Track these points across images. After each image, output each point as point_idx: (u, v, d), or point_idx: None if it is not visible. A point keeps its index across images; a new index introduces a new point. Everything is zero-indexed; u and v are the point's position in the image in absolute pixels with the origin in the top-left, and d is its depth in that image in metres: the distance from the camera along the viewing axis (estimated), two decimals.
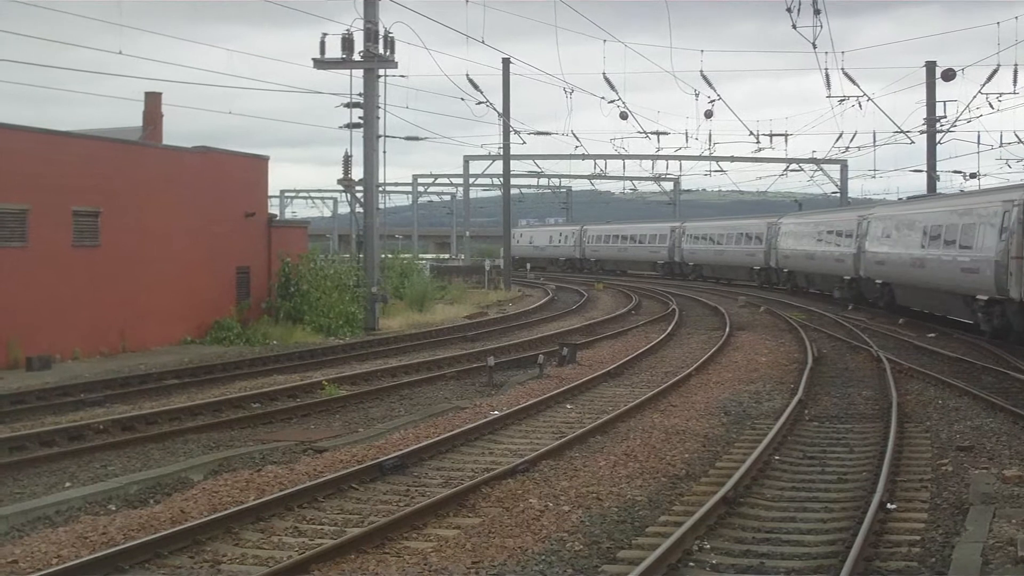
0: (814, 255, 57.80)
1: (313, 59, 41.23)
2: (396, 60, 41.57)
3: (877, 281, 46.54)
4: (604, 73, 55.88)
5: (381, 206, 48.58)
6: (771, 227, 67.52)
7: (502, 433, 20.04)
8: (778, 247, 65.67)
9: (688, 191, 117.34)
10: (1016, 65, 49.88)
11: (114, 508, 14.73)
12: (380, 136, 42.49)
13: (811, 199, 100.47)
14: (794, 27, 38.43)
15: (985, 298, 33.18)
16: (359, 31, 40.66)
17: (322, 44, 40.99)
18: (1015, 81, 50.00)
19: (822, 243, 56.20)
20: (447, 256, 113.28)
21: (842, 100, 57.52)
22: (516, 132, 69.83)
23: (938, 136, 59.88)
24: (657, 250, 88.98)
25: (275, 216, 49.74)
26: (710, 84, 57.13)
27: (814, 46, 40.42)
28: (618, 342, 36.54)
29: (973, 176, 65.54)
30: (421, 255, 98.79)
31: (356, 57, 41.07)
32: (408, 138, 58.18)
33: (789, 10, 37.29)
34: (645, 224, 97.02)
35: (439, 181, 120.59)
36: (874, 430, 19.93)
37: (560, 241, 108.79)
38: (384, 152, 42.78)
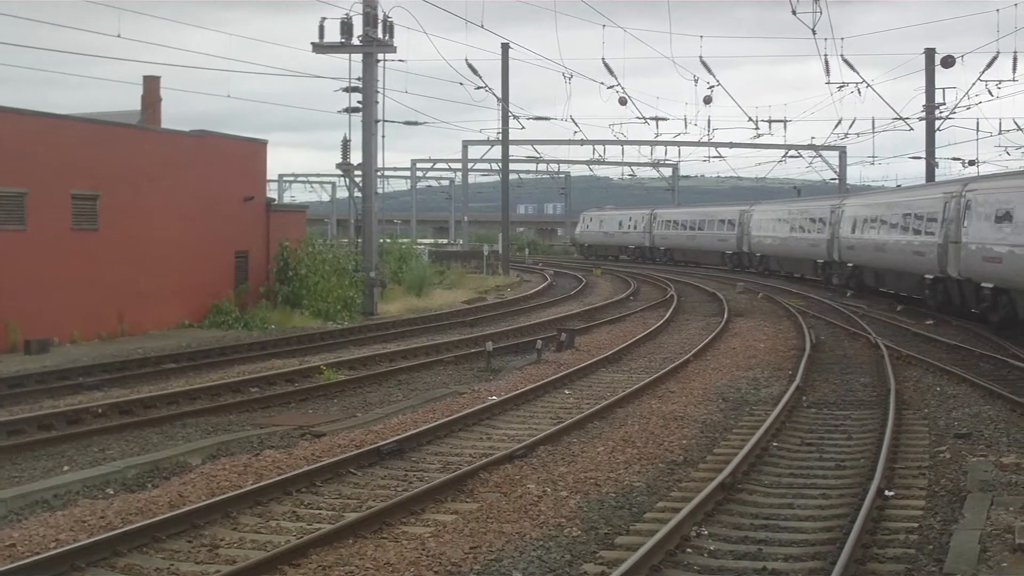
0: (885, 246, 44.64)
1: (312, 43, 41.19)
2: (395, 44, 41.55)
3: (985, 285, 33.02)
4: (603, 58, 55.95)
5: (379, 191, 48.58)
6: (835, 210, 53.97)
7: (500, 418, 20.05)
8: (839, 236, 52.49)
9: (686, 177, 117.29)
10: (1015, 52, 49.96)
11: (112, 492, 14.74)
12: (379, 120, 42.44)
13: (810, 186, 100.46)
14: (794, 13, 38.59)
15: None
16: (358, 15, 40.67)
17: (321, 28, 40.96)
18: (1014, 68, 50.05)
19: (896, 230, 43.17)
20: (445, 241, 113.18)
21: (841, 86, 57.64)
22: (515, 117, 69.86)
23: (937, 123, 59.89)
24: (725, 238, 75.31)
25: (273, 200, 49.70)
26: (709, 70, 57.20)
27: (813, 32, 40.60)
28: (616, 328, 36.54)
29: (972, 163, 65.67)
30: (419, 240, 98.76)
31: (355, 41, 41.01)
32: (407, 123, 58.07)
33: None
34: (712, 208, 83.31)
35: (438, 166, 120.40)
36: (872, 417, 19.94)
37: (630, 227, 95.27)
38: (383, 137, 42.79)
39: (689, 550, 12.05)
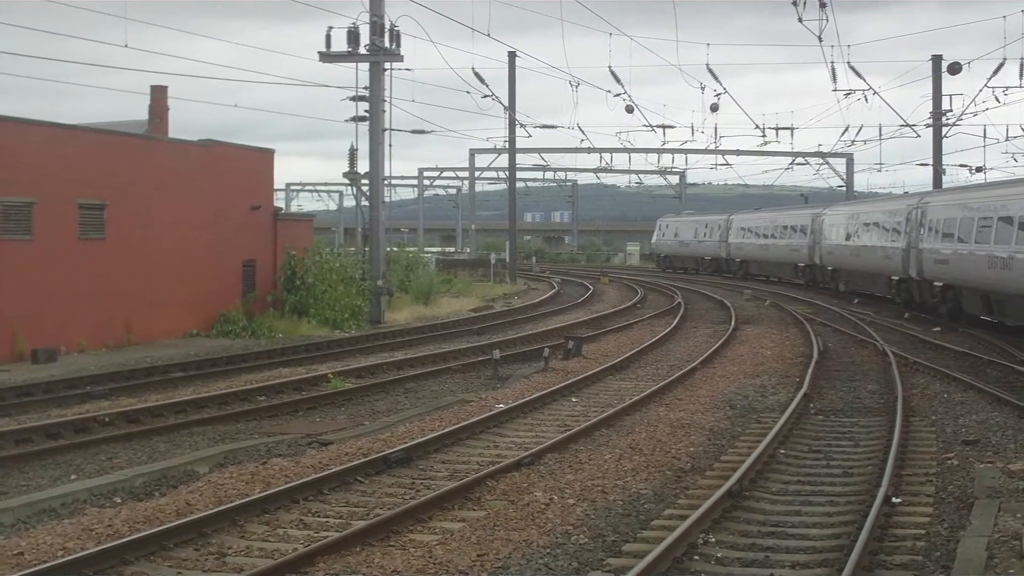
0: (1011, 262, 31.24)
1: (319, 52, 41.26)
2: (402, 53, 41.66)
3: None
4: (610, 66, 56.09)
5: (387, 199, 48.65)
6: (912, 212, 42.02)
7: (507, 426, 20.05)
8: (921, 246, 40.23)
9: (694, 185, 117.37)
10: (1022, 59, 49.83)
11: (120, 501, 14.75)
12: (386, 129, 42.52)
13: (817, 193, 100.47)
14: (800, 21, 38.52)
15: None
16: (365, 24, 40.71)
17: (328, 37, 41.04)
18: (1021, 75, 49.96)
19: None
20: (452, 249, 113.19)
21: (848, 94, 57.51)
22: (522, 125, 69.96)
23: (944, 130, 59.86)
24: (797, 248, 63.69)
25: (281, 209, 49.73)
26: (716, 78, 57.44)
27: (820, 39, 40.62)
28: (623, 335, 36.53)
29: (979, 170, 65.63)
30: (426, 248, 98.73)
31: (362, 50, 41.09)
32: (414, 131, 58.20)
33: (795, 3, 37.38)
34: (787, 212, 71.33)
35: (445, 174, 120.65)
36: (879, 424, 19.92)
37: (705, 235, 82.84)
38: (390, 145, 43.00)
39: (696, 557, 12.05)
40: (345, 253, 55.72)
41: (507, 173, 78.78)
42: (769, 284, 66.01)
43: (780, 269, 68.44)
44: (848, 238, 52.97)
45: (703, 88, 59.05)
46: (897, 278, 43.69)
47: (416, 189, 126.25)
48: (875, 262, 47.43)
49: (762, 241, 70.91)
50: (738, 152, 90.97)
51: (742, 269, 75.12)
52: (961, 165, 70.19)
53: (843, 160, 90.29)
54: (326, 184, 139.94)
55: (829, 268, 57.31)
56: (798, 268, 63.98)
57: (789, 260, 65.66)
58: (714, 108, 63.54)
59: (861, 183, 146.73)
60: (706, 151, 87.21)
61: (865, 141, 76.68)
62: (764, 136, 73.61)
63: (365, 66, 41.95)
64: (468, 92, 56.38)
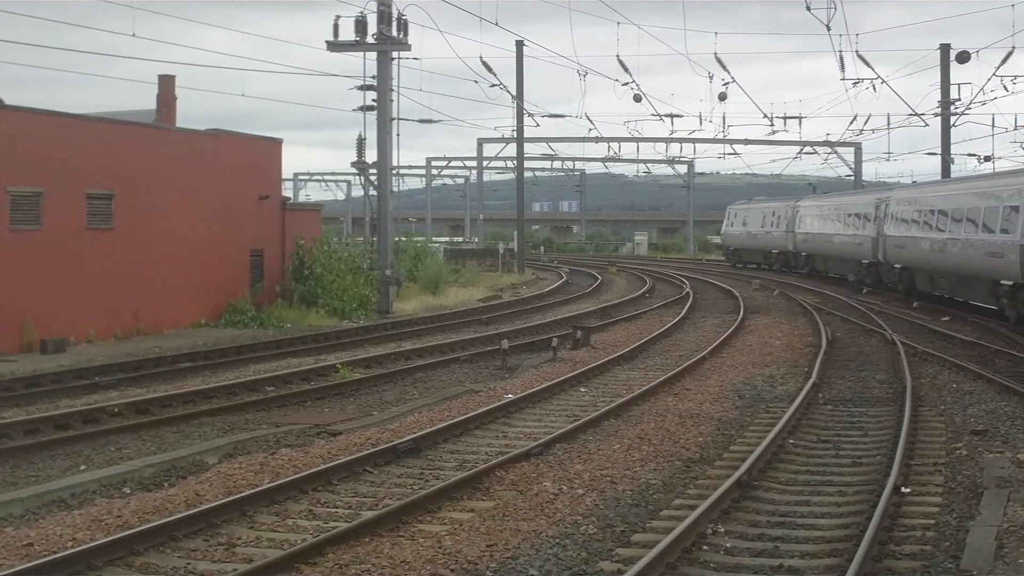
0: None
1: (327, 41, 41.18)
2: (409, 42, 41.53)
3: None
4: (618, 55, 56.07)
5: (395, 189, 48.61)
6: None
7: (516, 416, 20.05)
8: None
9: (702, 174, 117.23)
10: None
11: (129, 491, 14.77)
12: (394, 119, 42.43)
13: (825, 182, 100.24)
14: (808, 9, 38.49)
15: None
16: (373, 13, 40.65)
17: (335, 26, 40.96)
18: None
19: None
20: (461, 239, 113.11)
21: (856, 83, 57.38)
22: (530, 115, 69.92)
23: (952, 119, 59.74)
24: (861, 242, 51.42)
25: (289, 199, 49.76)
26: (724, 67, 57.15)
27: (828, 28, 40.53)
28: (632, 325, 36.51)
29: (988, 159, 65.50)
30: (435, 238, 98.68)
31: (369, 40, 41.00)
32: (422, 121, 58.12)
33: None
34: (850, 196, 60.68)
35: (453, 164, 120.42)
36: (888, 414, 19.90)
37: (772, 225, 70.91)
38: (398, 135, 42.77)
39: (706, 548, 12.04)
40: (353, 243, 55.76)
41: (515, 162, 78.74)
42: (833, 284, 56.15)
43: (844, 266, 56.25)
44: (923, 228, 41.63)
45: (711, 77, 59.18)
46: (1010, 284, 32.00)
47: (424, 179, 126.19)
48: (974, 261, 35.21)
49: (828, 231, 59.13)
50: (746, 141, 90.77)
51: (808, 265, 64.14)
52: (969, 154, 69.98)
53: (851, 149, 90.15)
54: (334, 174, 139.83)
55: (897, 266, 45.63)
56: (861, 266, 51.75)
57: (852, 256, 53.51)
58: (722, 97, 63.41)
59: (869, 172, 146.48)
60: (714, 140, 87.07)
61: (873, 130, 76.66)
62: (772, 125, 73.61)
63: (373, 55, 41.91)
64: (476, 81, 56.66)
